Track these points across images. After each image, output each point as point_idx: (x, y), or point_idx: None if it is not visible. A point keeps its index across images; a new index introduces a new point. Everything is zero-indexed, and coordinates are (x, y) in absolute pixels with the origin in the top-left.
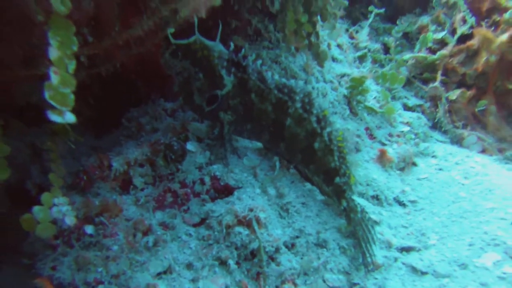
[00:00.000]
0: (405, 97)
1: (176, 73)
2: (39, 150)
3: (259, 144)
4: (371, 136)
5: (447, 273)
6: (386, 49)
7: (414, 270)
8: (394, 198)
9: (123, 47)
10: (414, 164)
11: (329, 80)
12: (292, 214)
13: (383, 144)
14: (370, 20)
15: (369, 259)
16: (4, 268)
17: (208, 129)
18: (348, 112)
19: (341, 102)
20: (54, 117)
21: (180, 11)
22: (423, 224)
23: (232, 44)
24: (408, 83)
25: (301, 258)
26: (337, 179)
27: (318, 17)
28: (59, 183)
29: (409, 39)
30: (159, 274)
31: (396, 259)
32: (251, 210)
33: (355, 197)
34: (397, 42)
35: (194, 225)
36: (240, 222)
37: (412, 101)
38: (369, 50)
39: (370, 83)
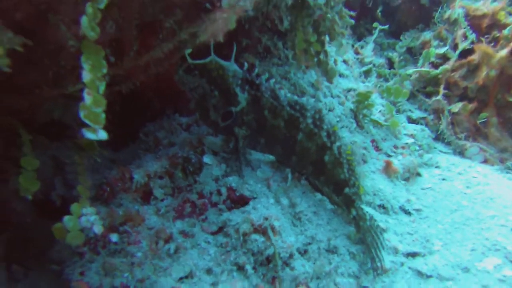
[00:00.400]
0: (409, 110)
1: (190, 89)
2: (62, 163)
3: (272, 157)
4: (377, 148)
5: (450, 276)
6: (391, 64)
7: (419, 273)
8: (400, 207)
9: (143, 67)
10: (418, 174)
11: (336, 95)
12: (304, 222)
13: (389, 156)
14: (375, 36)
15: (378, 264)
16: (31, 273)
17: (223, 143)
18: (354, 125)
19: (348, 116)
20: (88, 134)
21: (199, 36)
22: (428, 231)
23: (246, 64)
24: (412, 97)
25: (314, 263)
26: (347, 190)
27: (327, 36)
28: (87, 194)
29: (412, 54)
30: (181, 278)
31: (402, 264)
32: (266, 219)
33: (363, 206)
34: (401, 57)
35: (212, 233)
36: (256, 230)
37: (416, 114)
38: (374, 65)
39: (375, 97)
